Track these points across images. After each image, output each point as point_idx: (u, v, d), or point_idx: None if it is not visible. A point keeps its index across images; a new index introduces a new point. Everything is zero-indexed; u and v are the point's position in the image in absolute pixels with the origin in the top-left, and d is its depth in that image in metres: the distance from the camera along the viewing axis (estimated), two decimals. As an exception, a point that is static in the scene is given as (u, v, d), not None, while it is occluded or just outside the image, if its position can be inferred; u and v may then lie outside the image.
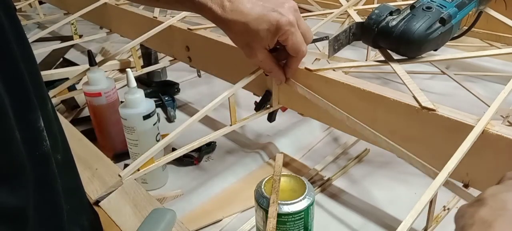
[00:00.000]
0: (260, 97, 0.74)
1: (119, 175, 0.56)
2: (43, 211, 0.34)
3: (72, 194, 0.40)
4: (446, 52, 0.92)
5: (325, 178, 0.73)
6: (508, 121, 0.79)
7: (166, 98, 1.01)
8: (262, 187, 0.51)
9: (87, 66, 0.79)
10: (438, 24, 0.58)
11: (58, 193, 0.37)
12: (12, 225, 0.29)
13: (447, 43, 0.64)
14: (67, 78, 0.94)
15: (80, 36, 1.22)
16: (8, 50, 0.31)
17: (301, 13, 0.59)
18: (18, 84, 0.33)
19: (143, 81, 1.09)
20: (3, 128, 0.28)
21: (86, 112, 0.94)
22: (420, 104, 0.52)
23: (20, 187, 0.30)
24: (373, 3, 1.14)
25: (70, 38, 1.23)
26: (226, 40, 0.79)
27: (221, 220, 0.64)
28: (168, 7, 0.64)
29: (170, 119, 0.95)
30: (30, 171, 0.31)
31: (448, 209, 0.59)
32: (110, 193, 0.55)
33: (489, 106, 0.49)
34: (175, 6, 0.65)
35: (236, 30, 0.56)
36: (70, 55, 1.34)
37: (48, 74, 1.01)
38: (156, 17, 0.95)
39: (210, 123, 0.90)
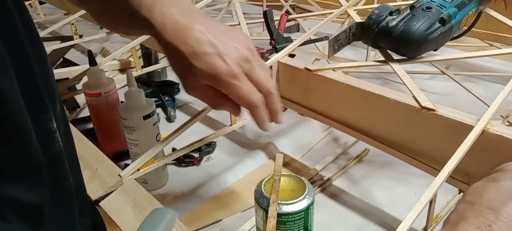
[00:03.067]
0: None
1: (119, 175, 0.56)
2: (57, 209, 0.34)
3: (77, 193, 0.40)
4: (446, 52, 0.91)
5: (325, 178, 0.73)
6: (508, 121, 0.79)
7: (166, 98, 1.01)
8: (262, 187, 0.51)
9: (87, 66, 0.79)
10: (438, 24, 0.58)
11: (70, 192, 0.37)
12: (30, 221, 0.30)
13: (447, 43, 0.64)
14: (67, 78, 0.95)
15: (80, 36, 1.22)
16: (23, 52, 0.32)
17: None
18: (32, 86, 0.33)
19: (143, 81, 1.09)
20: (21, 127, 0.29)
21: (86, 112, 0.94)
22: (420, 104, 0.52)
23: (37, 185, 0.31)
24: (373, 3, 1.14)
25: (70, 38, 1.23)
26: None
27: (221, 220, 0.64)
28: (123, 32, 0.56)
29: (170, 119, 0.95)
30: (46, 170, 0.32)
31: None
32: (110, 193, 0.55)
33: (489, 106, 0.49)
34: (129, 30, 0.54)
35: (172, 56, 0.47)
36: (70, 55, 1.34)
37: (48, 74, 1.02)
38: (156, 17, 0.95)
39: (210, 123, 0.90)
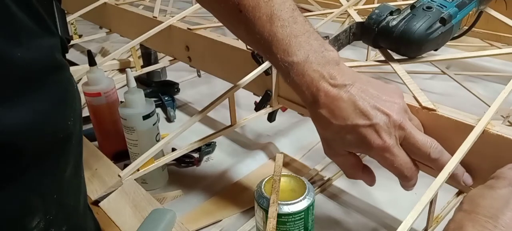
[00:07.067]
0: (260, 97, 0.74)
1: (119, 175, 0.56)
2: None
3: None
4: (447, 52, 0.92)
5: (325, 178, 0.73)
6: (508, 121, 0.79)
7: (166, 98, 1.00)
8: (262, 187, 0.51)
9: (87, 66, 0.79)
10: (438, 24, 0.58)
11: None
12: None
13: (447, 43, 0.64)
14: (66, 78, 0.94)
15: (80, 36, 1.22)
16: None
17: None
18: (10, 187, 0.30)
19: (143, 81, 1.09)
20: None
21: (85, 112, 0.93)
22: (420, 104, 0.52)
23: None
24: (373, 3, 1.14)
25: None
26: (226, 40, 0.79)
27: (221, 220, 0.64)
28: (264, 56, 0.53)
29: (170, 119, 0.95)
30: None
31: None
32: (110, 193, 0.55)
33: (489, 106, 0.49)
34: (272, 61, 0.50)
35: (321, 124, 0.47)
36: (70, 55, 1.34)
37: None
38: (156, 17, 0.95)
39: (210, 123, 0.90)
